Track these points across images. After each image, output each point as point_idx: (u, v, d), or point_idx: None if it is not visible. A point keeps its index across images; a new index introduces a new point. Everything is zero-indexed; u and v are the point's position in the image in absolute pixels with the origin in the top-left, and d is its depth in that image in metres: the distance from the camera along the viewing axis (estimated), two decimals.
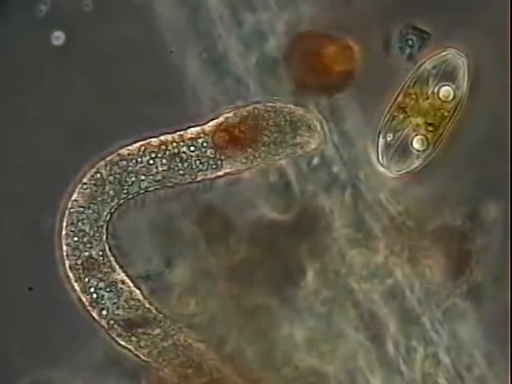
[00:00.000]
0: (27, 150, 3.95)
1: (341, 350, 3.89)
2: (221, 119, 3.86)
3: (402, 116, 3.88)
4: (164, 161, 3.85)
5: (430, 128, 3.86)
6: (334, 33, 3.89)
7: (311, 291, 3.89)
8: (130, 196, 3.86)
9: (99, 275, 3.85)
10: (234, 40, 3.92)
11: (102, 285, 3.85)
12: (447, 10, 3.88)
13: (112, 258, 3.86)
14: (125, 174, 3.86)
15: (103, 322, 3.86)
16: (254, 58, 3.93)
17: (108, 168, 3.85)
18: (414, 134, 3.88)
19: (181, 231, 3.92)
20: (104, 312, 3.85)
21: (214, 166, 3.85)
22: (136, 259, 3.91)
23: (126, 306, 3.86)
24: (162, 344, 3.85)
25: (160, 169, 3.85)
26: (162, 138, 3.86)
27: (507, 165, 3.84)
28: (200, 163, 3.85)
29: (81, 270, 3.85)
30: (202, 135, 3.85)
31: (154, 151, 3.85)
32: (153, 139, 3.85)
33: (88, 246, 3.85)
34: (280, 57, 3.92)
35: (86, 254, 3.85)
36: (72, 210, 3.86)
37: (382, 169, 3.90)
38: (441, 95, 3.87)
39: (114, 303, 3.85)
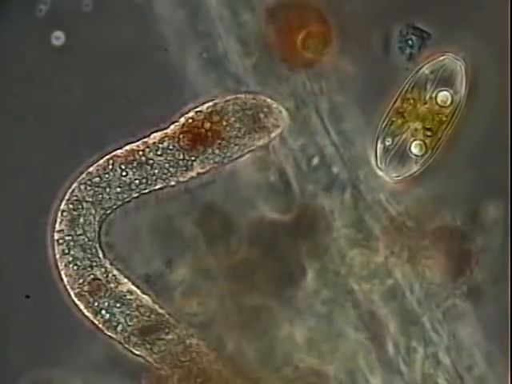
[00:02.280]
0: (27, 150, 3.94)
1: (341, 350, 3.89)
2: (182, 120, 3.85)
3: (400, 121, 3.89)
4: (135, 170, 3.85)
5: (428, 133, 3.87)
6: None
7: (311, 291, 3.89)
8: (112, 209, 3.86)
9: (107, 294, 3.85)
10: (233, 40, 3.92)
11: (111, 302, 3.85)
12: (446, 12, 3.88)
13: (116, 272, 3.86)
14: (100, 189, 3.86)
15: (119, 338, 3.87)
16: (254, 58, 3.92)
17: (82, 188, 3.85)
18: (413, 138, 3.88)
19: (181, 231, 3.92)
20: (119, 328, 3.85)
21: (184, 168, 3.85)
22: (136, 260, 3.91)
23: (138, 315, 3.85)
24: (176, 349, 3.85)
25: (133, 178, 3.85)
26: (127, 147, 3.85)
27: (507, 165, 3.84)
28: (170, 167, 3.84)
29: (88, 296, 3.85)
30: (166, 139, 3.85)
31: (122, 163, 3.84)
32: (118, 151, 3.85)
33: (88, 269, 3.85)
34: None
35: (89, 278, 3.85)
36: (61, 241, 3.85)
37: (380, 173, 3.90)
38: (439, 100, 3.87)
39: (127, 315, 3.85)
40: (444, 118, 3.87)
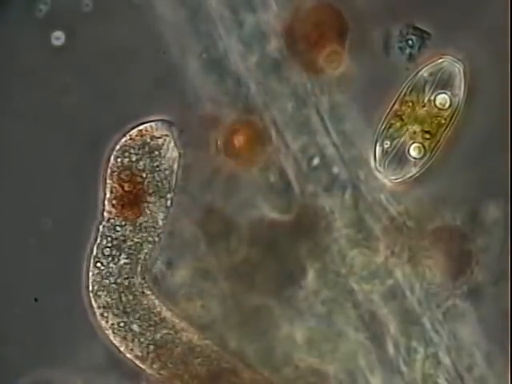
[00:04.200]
0: (27, 150, 3.94)
1: (341, 350, 3.89)
2: (107, 203, 3.86)
3: (398, 124, 3.88)
4: (122, 255, 3.88)
5: (427, 136, 3.86)
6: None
7: (311, 291, 3.89)
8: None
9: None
10: (234, 40, 3.92)
11: (135, 327, 3.89)
12: (445, 13, 3.88)
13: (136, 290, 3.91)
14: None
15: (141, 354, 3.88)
16: (255, 59, 3.92)
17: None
18: (411, 141, 3.88)
19: (181, 231, 3.92)
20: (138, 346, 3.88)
21: (153, 227, 3.88)
22: None
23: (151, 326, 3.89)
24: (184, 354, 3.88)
25: (124, 262, 3.89)
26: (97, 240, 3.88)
27: (507, 165, 3.84)
28: (144, 233, 3.87)
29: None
30: (113, 221, 3.86)
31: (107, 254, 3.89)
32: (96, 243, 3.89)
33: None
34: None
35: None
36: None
37: (379, 176, 3.90)
38: (437, 103, 3.87)
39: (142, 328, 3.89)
40: (443, 121, 3.87)
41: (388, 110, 3.88)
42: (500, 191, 3.87)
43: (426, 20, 3.89)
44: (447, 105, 3.87)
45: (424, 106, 3.88)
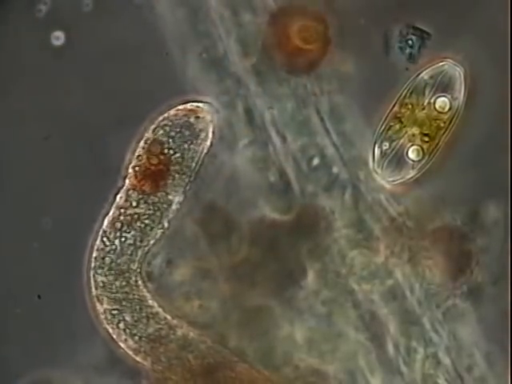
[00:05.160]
0: (27, 150, 3.94)
1: (341, 350, 3.89)
2: (131, 171, 3.87)
3: (397, 126, 3.88)
4: (130, 231, 3.88)
5: (426, 138, 3.87)
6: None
7: (312, 291, 3.90)
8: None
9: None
10: (233, 40, 3.92)
11: (127, 318, 3.89)
12: (445, 15, 3.88)
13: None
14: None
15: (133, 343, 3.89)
16: (254, 59, 3.92)
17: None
18: (410, 144, 3.88)
19: (182, 231, 3.92)
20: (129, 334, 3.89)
21: (164, 206, 3.87)
22: None
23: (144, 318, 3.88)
24: (176, 355, 3.88)
25: (133, 238, 3.89)
26: (108, 218, 3.88)
27: (507, 166, 3.85)
28: (155, 211, 3.87)
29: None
30: (130, 192, 3.87)
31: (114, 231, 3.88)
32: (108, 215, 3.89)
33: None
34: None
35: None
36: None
37: (377, 177, 3.91)
38: (437, 106, 3.87)
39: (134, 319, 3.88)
40: (442, 124, 3.87)
41: (387, 112, 3.88)
42: (500, 192, 3.87)
43: (426, 20, 3.90)
44: (447, 108, 3.87)
45: (424, 109, 3.88)
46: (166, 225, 3.87)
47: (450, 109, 3.87)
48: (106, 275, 3.86)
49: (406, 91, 3.88)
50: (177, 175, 3.87)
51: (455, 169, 3.91)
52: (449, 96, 3.87)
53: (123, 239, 3.85)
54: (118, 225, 3.85)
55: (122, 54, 3.91)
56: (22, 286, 3.93)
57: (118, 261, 3.86)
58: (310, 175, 3.93)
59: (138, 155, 3.86)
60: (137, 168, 3.85)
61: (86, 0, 3.95)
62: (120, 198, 3.87)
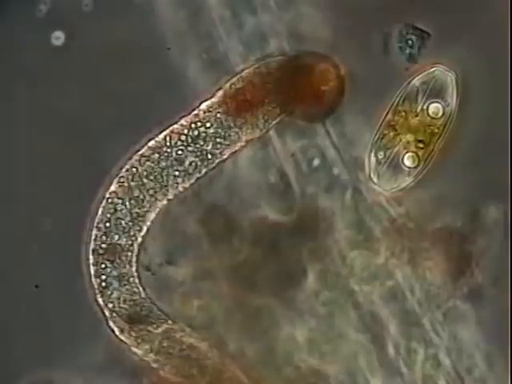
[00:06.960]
0: (26, 150, 3.94)
1: (341, 350, 3.90)
2: (227, 86, 3.83)
3: (392, 134, 3.88)
4: (190, 148, 3.84)
5: (421, 145, 3.87)
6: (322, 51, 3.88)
7: (312, 292, 3.90)
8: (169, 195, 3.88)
9: (116, 262, 3.85)
10: (234, 41, 3.92)
11: (114, 273, 3.85)
12: (440, 22, 3.89)
13: (135, 251, 3.86)
14: (158, 169, 3.86)
15: (107, 312, 3.86)
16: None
17: (143, 162, 3.86)
18: (405, 151, 3.88)
19: (184, 230, 3.92)
20: (110, 305, 3.85)
21: (234, 137, 3.83)
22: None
23: (131, 301, 3.86)
24: (162, 343, 3.86)
25: (190, 159, 3.85)
26: (181, 123, 3.84)
27: (507, 167, 3.85)
28: (221, 138, 3.83)
29: (102, 255, 3.86)
30: (212, 109, 3.83)
31: (179, 139, 3.83)
32: (174, 126, 3.83)
33: (120, 233, 3.86)
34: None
35: (109, 241, 3.85)
36: (110, 201, 3.86)
37: (374, 186, 3.91)
38: (430, 112, 3.87)
39: (120, 294, 3.85)
40: (436, 130, 3.87)
41: (381, 121, 3.88)
42: (500, 193, 3.88)
43: (426, 20, 3.90)
44: (440, 114, 3.87)
45: (417, 116, 3.88)
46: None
47: (443, 114, 3.87)
48: (107, 239, 3.86)
49: (398, 98, 3.88)
50: (263, 114, 3.83)
51: (455, 170, 3.91)
52: (441, 102, 3.87)
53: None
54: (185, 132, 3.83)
55: (122, 53, 3.91)
56: (23, 286, 3.93)
57: (127, 222, 3.86)
58: (311, 176, 3.93)
59: (236, 85, 3.83)
60: (233, 85, 3.81)
61: (85, 0, 3.95)
62: (201, 110, 3.85)
